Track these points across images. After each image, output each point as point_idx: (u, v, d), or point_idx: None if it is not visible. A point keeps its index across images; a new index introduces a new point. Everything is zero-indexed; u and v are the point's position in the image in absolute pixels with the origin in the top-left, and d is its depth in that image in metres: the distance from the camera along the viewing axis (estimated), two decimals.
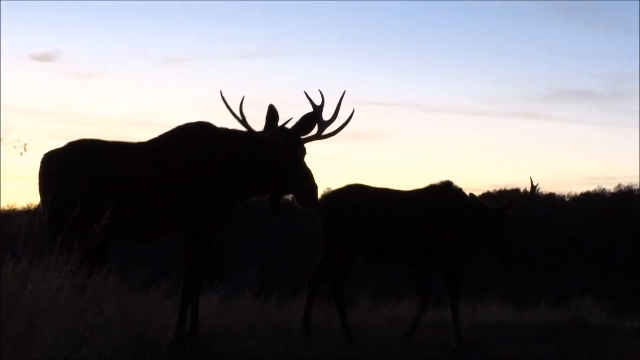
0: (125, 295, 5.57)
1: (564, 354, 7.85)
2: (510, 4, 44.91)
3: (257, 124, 5.97)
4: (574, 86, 49.62)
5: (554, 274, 24.26)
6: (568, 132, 49.45)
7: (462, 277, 7.85)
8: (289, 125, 5.99)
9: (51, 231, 5.28)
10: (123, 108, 42.34)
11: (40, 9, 39.74)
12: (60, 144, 5.73)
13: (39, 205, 5.70)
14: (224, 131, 5.95)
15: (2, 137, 4.95)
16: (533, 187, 8.30)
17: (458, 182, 7.96)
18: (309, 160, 6.07)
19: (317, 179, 6.07)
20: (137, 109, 42.71)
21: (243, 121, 5.92)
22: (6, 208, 17.83)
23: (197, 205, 5.70)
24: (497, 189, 28.70)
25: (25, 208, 20.59)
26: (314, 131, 6.01)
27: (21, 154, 5.01)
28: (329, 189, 8.36)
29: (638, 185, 32.48)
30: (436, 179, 7.93)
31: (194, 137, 5.85)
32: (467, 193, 7.95)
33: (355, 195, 7.55)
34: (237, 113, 5.91)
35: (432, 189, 7.86)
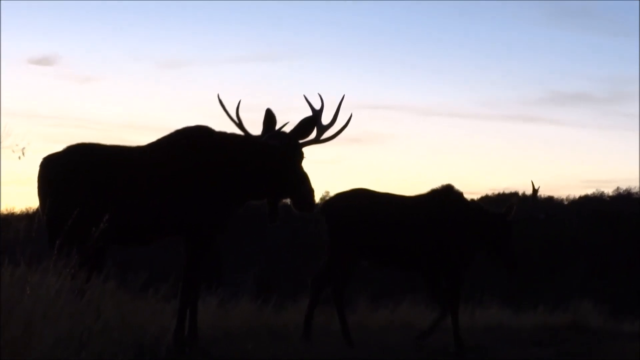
0: (123, 299, 5.57)
1: (563, 357, 7.86)
2: (508, 6, 44.91)
3: (255, 127, 5.99)
4: (571, 89, 49.59)
5: (552, 276, 24.25)
6: (566, 135, 49.38)
7: (463, 280, 7.86)
8: (286, 129, 6.00)
9: (50, 235, 5.28)
10: (121, 112, 42.28)
11: (39, 12, 39.73)
12: (58, 148, 5.75)
13: (37, 209, 5.70)
14: (223, 135, 5.96)
15: (1, 141, 4.95)
16: (535, 191, 8.32)
17: (456, 186, 8.00)
18: (306, 164, 6.09)
19: (315, 183, 6.08)
20: (135, 113, 42.65)
21: (239, 125, 5.93)
22: (5, 212, 17.85)
23: (196, 209, 5.71)
24: (496, 192, 28.73)
25: (23, 212, 20.59)
26: (312, 135, 6.02)
27: (19, 158, 5.02)
28: (327, 192, 8.39)
29: (637, 188, 32.49)
30: (434, 183, 7.98)
31: (193, 141, 5.86)
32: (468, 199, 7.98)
33: (361, 200, 7.58)
34: (234, 117, 5.92)
35: (434, 194, 7.89)
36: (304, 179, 6.03)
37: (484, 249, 8.04)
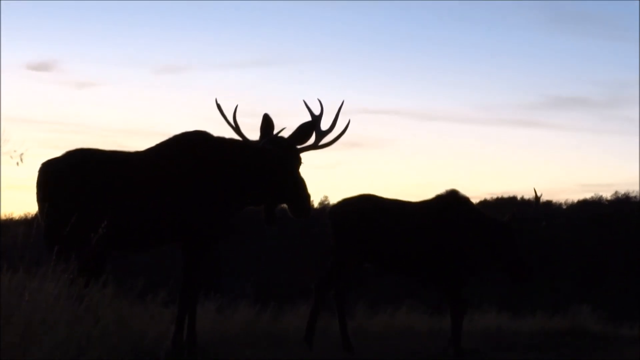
0: (122, 305, 5.56)
1: None
2: (506, 11, 45.06)
3: (253, 132, 6.00)
4: (570, 93, 49.75)
5: (551, 281, 24.25)
6: (564, 139, 49.55)
7: (465, 286, 7.83)
8: (283, 135, 6.00)
9: (48, 241, 5.28)
10: (120, 117, 42.40)
11: (38, 18, 39.83)
12: (57, 153, 5.74)
13: (36, 215, 5.69)
14: (221, 140, 5.97)
15: (0, 146, 4.95)
16: (537, 198, 8.31)
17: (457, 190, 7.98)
18: (304, 169, 6.10)
19: (313, 188, 6.10)
20: (134, 118, 42.79)
21: (237, 130, 5.93)
22: (3, 218, 17.84)
23: (194, 214, 5.71)
24: (494, 196, 28.76)
25: (22, 217, 20.60)
26: (311, 141, 6.03)
27: (18, 164, 5.00)
28: (326, 197, 8.38)
29: (635, 192, 32.51)
30: (433, 186, 8.03)
31: (191, 145, 5.87)
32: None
33: (367, 205, 7.59)
34: (232, 122, 5.93)
35: (439, 199, 7.87)
36: (301, 185, 6.04)
37: (492, 259, 7.97)
